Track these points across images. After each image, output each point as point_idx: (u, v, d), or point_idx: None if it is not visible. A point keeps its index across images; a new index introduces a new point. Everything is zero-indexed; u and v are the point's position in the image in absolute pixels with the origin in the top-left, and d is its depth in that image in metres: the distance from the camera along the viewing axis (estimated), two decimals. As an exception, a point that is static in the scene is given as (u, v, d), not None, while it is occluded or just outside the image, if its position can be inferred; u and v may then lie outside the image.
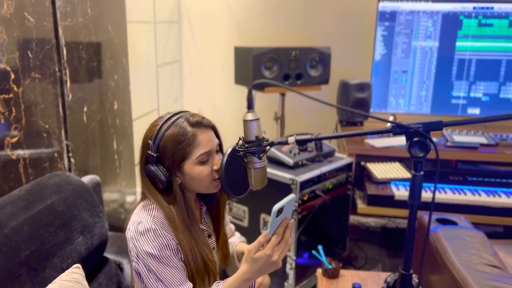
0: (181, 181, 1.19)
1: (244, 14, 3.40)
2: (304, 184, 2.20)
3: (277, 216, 1.01)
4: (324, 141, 2.55)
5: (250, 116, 1.13)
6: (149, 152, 1.15)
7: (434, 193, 1.01)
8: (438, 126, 0.99)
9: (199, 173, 1.16)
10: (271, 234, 1.04)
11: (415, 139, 0.99)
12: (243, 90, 3.03)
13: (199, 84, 3.61)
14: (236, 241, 1.51)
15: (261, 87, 2.71)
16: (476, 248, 1.61)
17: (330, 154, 2.48)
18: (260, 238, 1.05)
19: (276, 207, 0.99)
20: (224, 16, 3.43)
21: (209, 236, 1.31)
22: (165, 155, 1.14)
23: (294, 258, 2.22)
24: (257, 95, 3.03)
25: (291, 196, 1.04)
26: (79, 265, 1.31)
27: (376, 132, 1.07)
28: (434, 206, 2.45)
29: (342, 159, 2.48)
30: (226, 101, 3.57)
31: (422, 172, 1.02)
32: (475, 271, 1.45)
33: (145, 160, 1.18)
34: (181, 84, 3.62)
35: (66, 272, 1.26)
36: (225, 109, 3.58)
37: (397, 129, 1.00)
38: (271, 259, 1.04)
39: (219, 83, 3.56)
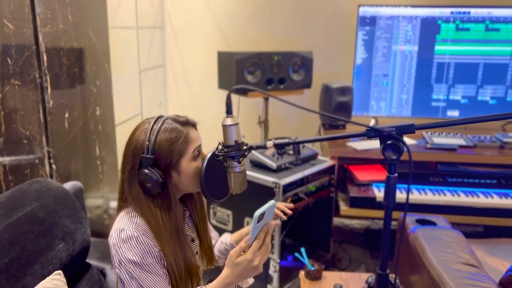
0: (175, 182, 1.20)
1: (227, 19, 3.42)
2: (287, 187, 2.23)
3: (258, 222, 1.03)
4: (307, 145, 2.58)
5: (229, 121, 1.15)
6: (144, 155, 1.14)
7: (408, 194, 1.04)
8: (410, 129, 1.02)
9: (195, 168, 1.19)
10: (252, 239, 1.07)
11: (389, 142, 1.02)
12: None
13: (183, 89, 3.62)
14: (224, 238, 1.51)
15: (244, 92, 2.73)
16: (453, 248, 1.65)
17: (312, 157, 2.51)
18: (242, 243, 1.08)
19: (257, 212, 1.01)
20: (207, 21, 3.45)
21: (193, 240, 1.32)
22: (160, 156, 1.15)
23: (278, 260, 2.24)
24: (241, 100, 3.05)
25: (272, 202, 1.06)
26: (60, 271, 1.31)
27: (351, 136, 1.09)
28: (415, 208, 2.49)
29: (325, 162, 2.51)
30: (210, 106, 3.59)
31: (396, 174, 1.05)
32: (452, 270, 1.48)
33: (139, 164, 1.16)
34: (165, 89, 3.62)
35: (47, 279, 1.26)
36: (209, 114, 3.59)
37: (371, 132, 1.03)
38: (252, 264, 1.07)
39: (203, 88, 3.58)
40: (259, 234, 1.07)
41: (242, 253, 1.08)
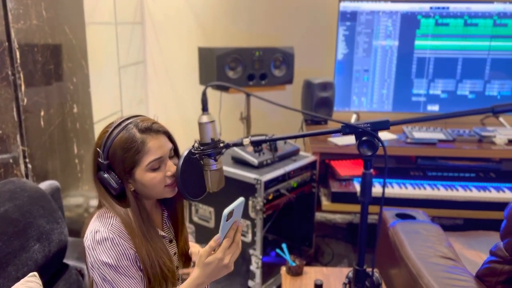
0: (134, 188, 1.17)
1: (208, 15, 3.39)
2: (269, 184, 2.22)
3: (227, 220, 1.03)
4: (289, 141, 2.58)
5: (205, 119, 1.14)
6: (100, 160, 1.13)
7: (383, 188, 1.04)
8: (385, 125, 1.02)
9: (150, 180, 1.13)
10: (222, 238, 1.06)
11: (364, 138, 1.02)
12: (208, 91, 3.02)
13: (164, 85, 3.58)
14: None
15: (225, 88, 2.72)
16: (432, 241, 1.67)
17: (294, 153, 2.51)
18: (211, 243, 1.07)
19: (226, 211, 1.01)
20: (187, 17, 3.41)
21: (171, 241, 1.30)
22: (115, 163, 1.12)
23: (261, 257, 2.24)
24: (223, 96, 3.03)
25: (241, 199, 1.06)
26: (35, 273, 1.28)
27: (326, 132, 1.09)
28: (395, 202, 2.51)
29: (306, 157, 2.51)
30: (191, 102, 3.56)
31: (371, 170, 1.05)
32: (430, 263, 1.50)
33: (97, 167, 1.15)
34: (146, 85, 3.58)
35: (22, 281, 1.23)
36: (190, 110, 3.56)
37: (346, 129, 1.03)
38: (222, 263, 1.06)
39: (184, 84, 3.55)
40: (228, 232, 1.07)
41: (212, 252, 1.07)
